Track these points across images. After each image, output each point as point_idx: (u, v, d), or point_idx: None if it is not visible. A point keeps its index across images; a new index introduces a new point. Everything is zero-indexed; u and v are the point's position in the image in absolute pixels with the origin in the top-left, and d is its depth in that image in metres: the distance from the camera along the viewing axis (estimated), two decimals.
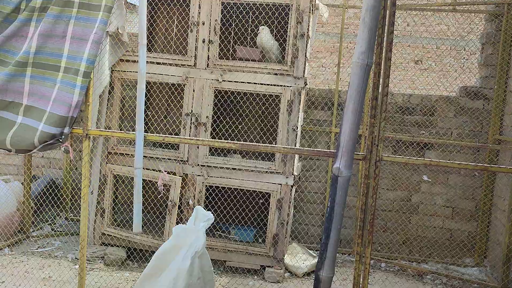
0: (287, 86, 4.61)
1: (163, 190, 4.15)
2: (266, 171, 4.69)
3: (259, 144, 2.92)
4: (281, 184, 4.67)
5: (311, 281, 4.86)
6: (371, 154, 2.73)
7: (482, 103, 5.56)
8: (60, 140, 2.93)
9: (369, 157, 2.73)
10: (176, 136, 3.15)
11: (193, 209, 4.69)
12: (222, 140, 2.92)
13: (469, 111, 5.56)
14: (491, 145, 5.26)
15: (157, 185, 4.14)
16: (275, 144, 4.77)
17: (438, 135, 5.63)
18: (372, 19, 2.41)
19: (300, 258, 5.03)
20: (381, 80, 2.67)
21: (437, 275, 5.22)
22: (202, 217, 2.84)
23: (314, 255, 5.20)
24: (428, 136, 5.63)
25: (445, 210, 5.68)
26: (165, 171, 4.28)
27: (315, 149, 2.84)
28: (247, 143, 2.92)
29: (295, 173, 4.77)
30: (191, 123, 4.73)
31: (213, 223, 4.90)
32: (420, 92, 10.09)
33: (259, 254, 4.75)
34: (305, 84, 4.66)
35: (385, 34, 2.59)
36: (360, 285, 2.75)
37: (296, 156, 4.74)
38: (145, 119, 5.62)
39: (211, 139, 3.00)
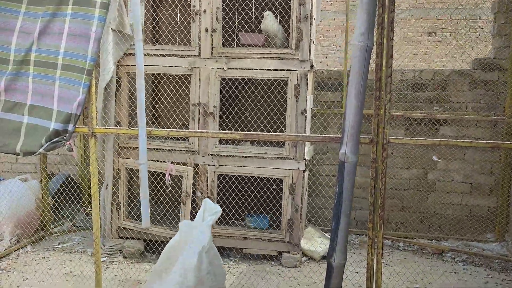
0: (293, 70, 4.54)
1: (171, 182, 4.17)
2: (277, 157, 4.66)
3: (264, 133, 2.89)
4: (292, 170, 4.64)
5: None
6: (378, 137, 2.68)
7: (497, 75, 5.40)
8: (64, 138, 2.95)
9: (376, 140, 2.68)
10: (181, 130, 3.14)
11: (212, 200, 4.72)
12: (226, 131, 2.90)
13: (484, 84, 5.41)
14: (507, 117, 5.12)
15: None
16: (284, 129, 4.73)
17: (452, 111, 5.50)
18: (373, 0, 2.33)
19: (316, 242, 5.02)
20: (384, 61, 2.60)
21: (457, 252, 5.16)
22: (210, 210, 2.84)
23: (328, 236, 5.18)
24: (442, 112, 5.51)
25: (463, 186, 5.58)
26: (172, 163, 4.29)
27: (321, 135, 2.79)
28: (251, 132, 2.89)
29: (307, 158, 4.73)
30: (199, 114, 4.72)
31: (227, 211, 4.93)
32: (435, 66, 9.87)
33: (275, 240, 4.76)
34: (312, 67, 4.59)
35: (386, 13, 2.50)
36: (374, 269, 2.73)
37: (307, 125, 4.70)
38: (154, 112, 5.65)
39: (215, 131, 2.99)
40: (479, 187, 5.53)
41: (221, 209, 2.93)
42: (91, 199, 6.22)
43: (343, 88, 5.65)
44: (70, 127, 2.94)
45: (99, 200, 5.05)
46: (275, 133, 2.89)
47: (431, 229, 5.68)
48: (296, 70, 4.54)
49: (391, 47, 2.57)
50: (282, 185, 4.76)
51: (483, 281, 4.56)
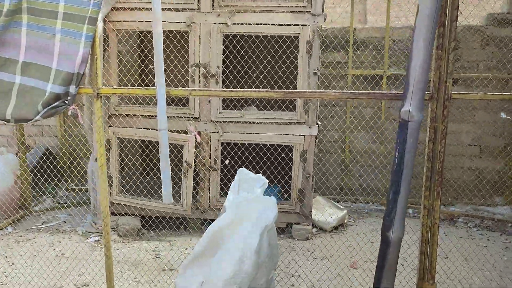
0: (306, 25, 4.10)
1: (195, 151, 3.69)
2: (287, 123, 4.26)
3: (304, 90, 2.46)
4: (304, 136, 4.26)
5: (339, 235, 4.58)
6: (439, 92, 2.31)
7: (510, 31, 5.11)
8: (66, 101, 2.44)
9: (437, 96, 2.31)
10: (205, 89, 2.69)
11: (216, 170, 4.29)
12: (259, 90, 2.46)
13: (497, 40, 5.12)
14: None
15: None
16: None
17: (463, 69, 5.22)
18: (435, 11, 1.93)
19: (326, 212, 4.71)
20: (449, 1, 2.21)
21: (469, 217, 4.98)
22: (248, 181, 2.44)
23: (341, 207, 4.89)
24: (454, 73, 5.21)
25: (473, 149, 5.37)
26: (194, 131, 3.82)
27: (378, 92, 2.40)
28: (289, 90, 2.46)
29: (319, 122, 4.36)
30: (199, 75, 4.23)
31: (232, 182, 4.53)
32: None
33: (285, 212, 4.42)
34: (325, 21, 4.16)
35: None
36: (429, 243, 2.42)
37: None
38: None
39: (245, 90, 2.54)
40: (489, 149, 5.33)
41: (267, 180, 2.53)
42: (72, 173, 5.71)
43: (350, 47, 5.25)
44: (72, 89, 2.43)
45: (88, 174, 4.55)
46: (319, 90, 2.48)
47: (443, 195, 5.47)
48: (309, 25, 4.09)
49: None
50: (292, 153, 4.38)
51: (502, 246, 4.38)
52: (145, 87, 2.60)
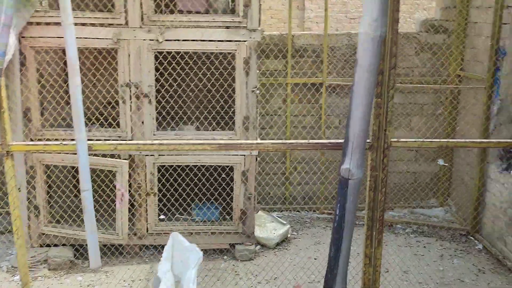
0: (242, 41, 3.92)
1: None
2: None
3: (241, 142, 2.31)
4: (245, 156, 4.13)
5: (283, 251, 4.53)
6: (379, 141, 2.24)
7: (442, 38, 5.20)
8: None
9: (377, 145, 2.24)
10: (132, 142, 2.43)
11: (153, 195, 4.07)
12: (193, 143, 2.27)
13: (430, 47, 5.19)
14: (450, 86, 5.00)
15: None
16: (233, 109, 4.14)
17: (399, 76, 5.26)
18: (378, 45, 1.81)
19: (269, 228, 4.64)
20: (387, 49, 2.12)
21: (407, 223, 5.10)
22: (185, 252, 2.25)
23: (284, 222, 4.84)
24: None
25: (409, 153, 5.48)
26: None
27: (316, 141, 2.28)
28: (225, 142, 2.30)
29: (260, 141, 4.23)
30: (131, 96, 3.95)
31: (169, 206, 4.33)
32: None
33: (227, 232, 4.30)
34: (263, 37, 4.00)
35: None
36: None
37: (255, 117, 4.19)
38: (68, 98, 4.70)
39: (175, 142, 2.34)
40: (424, 153, 5.46)
41: (202, 253, 2.36)
42: None
43: (288, 55, 5.12)
44: None
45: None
46: (256, 142, 2.33)
47: None
48: (245, 41, 3.92)
49: (396, 32, 2.09)
50: (233, 173, 4.24)
51: (437, 254, 4.53)
52: (63, 143, 2.32)
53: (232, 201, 4.28)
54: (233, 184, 4.23)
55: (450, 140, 2.29)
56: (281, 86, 5.23)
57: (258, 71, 5.05)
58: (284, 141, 2.24)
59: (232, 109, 4.19)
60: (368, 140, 2.24)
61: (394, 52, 2.12)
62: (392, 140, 2.26)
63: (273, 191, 5.48)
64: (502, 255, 4.34)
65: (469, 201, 4.87)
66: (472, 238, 4.80)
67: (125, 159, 4.02)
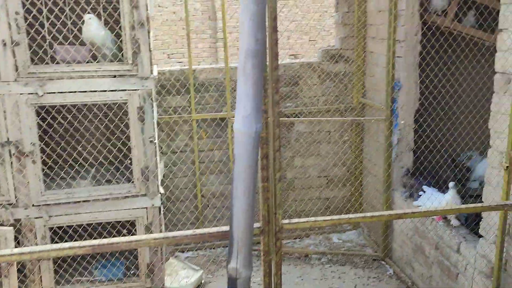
0: (134, 90, 3.64)
1: None
2: (125, 196, 3.81)
3: (118, 241, 2.06)
4: (146, 208, 3.86)
5: None
6: (270, 225, 2.11)
7: (343, 66, 5.26)
8: None
9: (268, 229, 2.11)
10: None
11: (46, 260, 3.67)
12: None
13: (333, 75, 5.24)
14: (351, 118, 5.08)
15: None
16: (130, 161, 3.85)
17: (305, 105, 5.26)
18: (257, 66, 1.66)
19: (181, 276, 4.42)
20: (271, 131, 1.99)
21: (322, 254, 5.11)
22: None
23: (196, 268, 4.63)
24: (295, 108, 5.23)
25: (320, 180, 5.51)
26: None
27: (200, 231, 2.08)
28: (100, 243, 2.04)
29: (162, 191, 3.98)
30: (11, 156, 3.53)
31: (67, 267, 3.95)
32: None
33: None
34: (157, 84, 3.75)
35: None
36: None
37: (157, 152, 3.93)
38: None
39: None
40: (334, 179, 5.51)
41: None
42: None
43: (191, 90, 4.91)
44: None
45: None
46: (136, 238, 2.08)
47: (293, 229, 5.53)
48: (137, 89, 3.65)
49: (277, 121, 1.95)
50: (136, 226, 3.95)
51: (352, 284, 4.57)
52: None
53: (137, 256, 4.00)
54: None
55: (342, 216, 2.21)
56: (187, 123, 5.01)
57: (158, 109, 4.79)
58: (167, 234, 2.03)
59: (129, 160, 3.90)
60: (258, 225, 2.11)
61: (277, 134, 1.99)
62: (283, 222, 2.14)
63: (186, 216, 5.26)
64: (411, 281, 4.46)
65: (379, 225, 4.98)
66: (384, 263, 4.90)
67: (10, 226, 3.60)
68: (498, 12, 3.14)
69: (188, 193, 5.17)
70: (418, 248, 4.30)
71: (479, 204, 2.29)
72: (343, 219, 2.24)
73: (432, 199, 4.09)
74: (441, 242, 3.94)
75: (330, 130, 5.37)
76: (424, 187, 4.31)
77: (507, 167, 2.98)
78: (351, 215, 2.26)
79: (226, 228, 2.06)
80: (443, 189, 4.47)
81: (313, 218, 2.22)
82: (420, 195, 4.30)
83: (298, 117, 5.19)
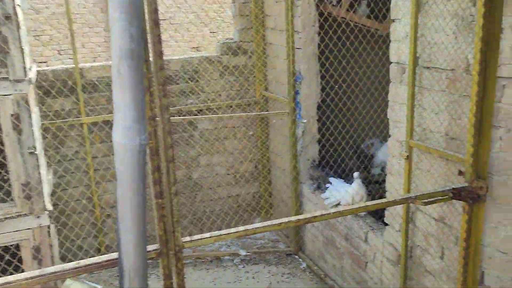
0: (5, 96, 3.15)
1: None
2: (6, 218, 3.31)
3: None
4: (32, 229, 3.39)
5: None
6: (168, 245, 1.86)
7: (244, 59, 5.10)
8: None
9: (166, 250, 1.86)
10: None
11: None
12: None
13: (233, 69, 5.05)
14: (254, 113, 4.96)
15: None
16: (8, 174, 3.35)
17: (207, 101, 5.02)
18: (134, 68, 1.39)
19: None
20: (161, 139, 1.72)
21: (234, 255, 4.94)
22: None
23: (98, 286, 4.21)
24: (196, 105, 4.97)
25: (228, 177, 5.32)
26: None
27: (85, 261, 1.77)
28: None
29: (50, 208, 3.52)
30: None
31: None
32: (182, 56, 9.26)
33: None
34: (37, 86, 3.28)
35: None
36: None
37: (43, 169, 3.48)
38: None
39: None
40: (243, 175, 5.36)
41: None
42: None
43: (78, 91, 4.43)
44: None
45: None
46: None
47: (203, 229, 5.31)
48: (10, 94, 3.16)
49: (166, 110, 1.69)
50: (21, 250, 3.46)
51: (266, 283, 4.47)
52: None
53: None
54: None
55: (248, 227, 2.03)
56: (75, 127, 4.53)
57: (41, 111, 4.28)
58: (43, 270, 1.71)
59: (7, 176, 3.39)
60: (154, 247, 1.85)
61: (169, 142, 1.73)
62: (184, 241, 1.90)
63: (86, 243, 4.79)
64: (324, 273, 4.46)
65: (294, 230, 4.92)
66: (297, 257, 4.86)
67: None
68: (390, 1, 3.14)
69: (86, 204, 4.70)
70: (329, 241, 4.30)
71: (384, 200, 2.25)
72: (249, 230, 2.06)
73: (339, 190, 4.10)
74: (350, 232, 3.96)
75: (234, 126, 5.19)
76: (331, 179, 4.30)
77: (407, 156, 3.01)
78: (257, 225, 2.09)
79: (116, 255, 1.77)
80: (349, 178, 4.52)
81: (217, 233, 2.01)
82: (328, 187, 4.29)
83: (200, 114, 4.95)
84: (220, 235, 2.00)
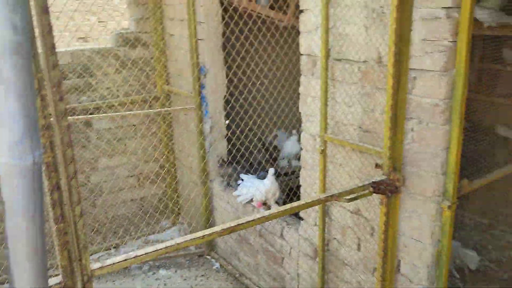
0: None
1: None
2: None
3: None
4: None
5: None
6: (74, 276, 1.56)
7: (142, 51, 4.74)
8: None
9: (71, 283, 1.55)
10: None
11: None
12: None
13: (131, 62, 4.67)
14: (157, 110, 4.64)
15: None
16: None
17: (103, 98, 4.59)
18: (21, 66, 1.08)
19: None
20: (59, 152, 1.42)
21: (141, 262, 4.61)
22: None
23: None
24: (91, 103, 4.52)
25: (131, 180, 4.95)
26: None
27: None
28: None
29: None
30: None
31: None
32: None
33: None
34: None
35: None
36: None
37: None
38: None
39: None
40: (147, 176, 5.02)
41: None
42: None
43: None
44: None
45: None
46: None
47: (107, 238, 4.89)
48: None
49: (63, 116, 1.38)
50: None
51: None
52: None
53: None
54: None
55: (169, 243, 1.79)
56: None
57: None
58: None
59: None
60: (56, 281, 1.54)
61: (69, 156, 1.43)
62: (93, 268, 1.62)
63: None
64: (238, 272, 4.34)
65: (200, 218, 4.72)
66: (209, 257, 4.68)
67: None
68: None
69: None
70: (243, 238, 4.19)
71: (308, 200, 2.15)
72: (170, 247, 1.83)
73: (251, 186, 3.98)
74: (264, 229, 3.87)
75: (135, 124, 4.83)
76: (242, 175, 4.18)
77: (322, 150, 2.97)
78: (179, 240, 1.86)
79: None
80: (259, 172, 4.43)
81: (133, 254, 1.75)
82: (239, 184, 4.16)
83: (96, 113, 4.50)
84: (137, 256, 1.74)
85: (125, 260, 1.72)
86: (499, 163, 3.73)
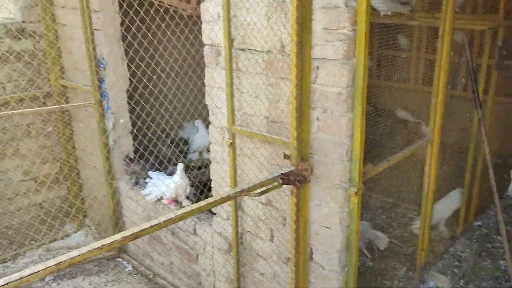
0: None
1: None
2: None
3: None
4: None
5: None
6: None
7: (31, 43, 4.30)
8: None
9: None
10: None
11: None
12: None
13: (18, 55, 4.22)
14: (52, 107, 4.27)
15: None
16: None
17: None
18: None
19: None
20: None
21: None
22: None
23: None
24: None
25: (27, 184, 4.52)
26: None
27: None
28: None
29: None
30: None
31: None
32: None
33: None
34: None
35: None
36: None
37: None
38: None
39: None
40: (45, 179, 4.61)
41: None
42: None
43: None
44: None
45: None
46: None
47: (1, 249, 4.43)
48: None
49: None
50: None
51: None
52: None
53: None
54: None
55: (73, 254, 1.62)
56: None
57: None
58: None
59: None
60: None
61: None
62: None
63: None
64: (152, 273, 4.16)
65: (108, 221, 4.44)
66: (120, 260, 4.44)
67: None
68: None
69: None
70: (154, 237, 4.01)
71: (218, 197, 2.06)
72: (75, 258, 1.65)
73: (160, 184, 3.81)
74: (176, 226, 3.73)
75: (28, 123, 4.40)
76: (150, 173, 3.98)
77: (231, 143, 2.89)
78: (84, 249, 1.67)
79: None
80: (167, 168, 4.26)
81: (28, 271, 1.54)
82: (148, 182, 3.96)
83: None
84: (32, 273, 1.53)
85: (20, 278, 1.49)
86: (400, 145, 3.94)
